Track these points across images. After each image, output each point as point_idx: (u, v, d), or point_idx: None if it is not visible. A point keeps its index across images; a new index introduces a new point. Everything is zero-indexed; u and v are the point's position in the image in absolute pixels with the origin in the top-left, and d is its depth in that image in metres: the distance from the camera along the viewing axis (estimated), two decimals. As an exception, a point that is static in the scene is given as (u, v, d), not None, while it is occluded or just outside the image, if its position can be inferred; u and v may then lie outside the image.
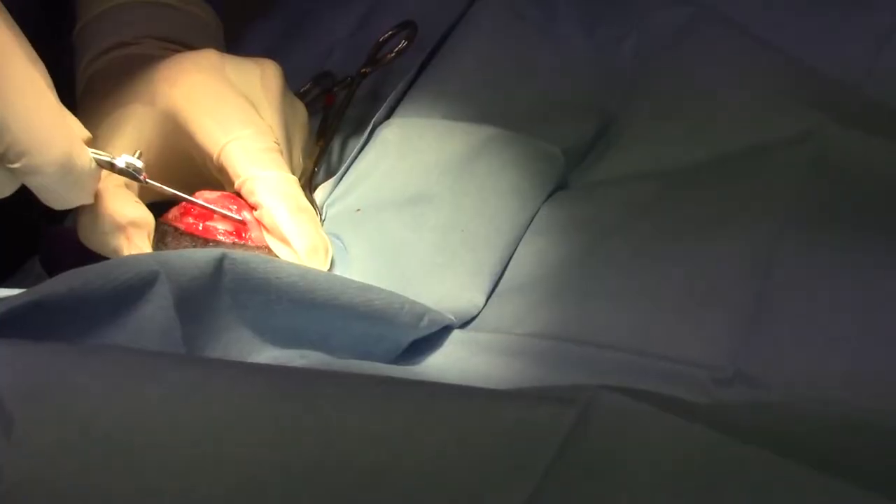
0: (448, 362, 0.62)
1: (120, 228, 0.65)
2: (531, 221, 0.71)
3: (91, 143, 0.62)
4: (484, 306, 0.66)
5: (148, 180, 0.64)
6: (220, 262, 0.54)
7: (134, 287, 0.51)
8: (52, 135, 0.58)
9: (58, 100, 0.60)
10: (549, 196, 0.73)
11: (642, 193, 0.70)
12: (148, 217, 0.66)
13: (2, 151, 0.57)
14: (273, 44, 0.93)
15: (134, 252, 0.65)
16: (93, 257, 0.68)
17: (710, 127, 0.74)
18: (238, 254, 0.55)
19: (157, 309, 0.51)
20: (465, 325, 0.65)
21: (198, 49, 0.76)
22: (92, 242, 0.67)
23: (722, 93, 0.76)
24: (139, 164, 0.64)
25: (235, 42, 0.89)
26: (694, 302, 0.60)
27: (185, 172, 0.69)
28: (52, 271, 0.80)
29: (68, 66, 0.76)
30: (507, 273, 0.68)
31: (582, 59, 0.83)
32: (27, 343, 0.46)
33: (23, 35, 0.59)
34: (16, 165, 0.58)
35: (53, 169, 0.59)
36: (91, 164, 0.61)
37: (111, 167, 0.63)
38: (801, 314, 0.58)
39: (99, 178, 0.63)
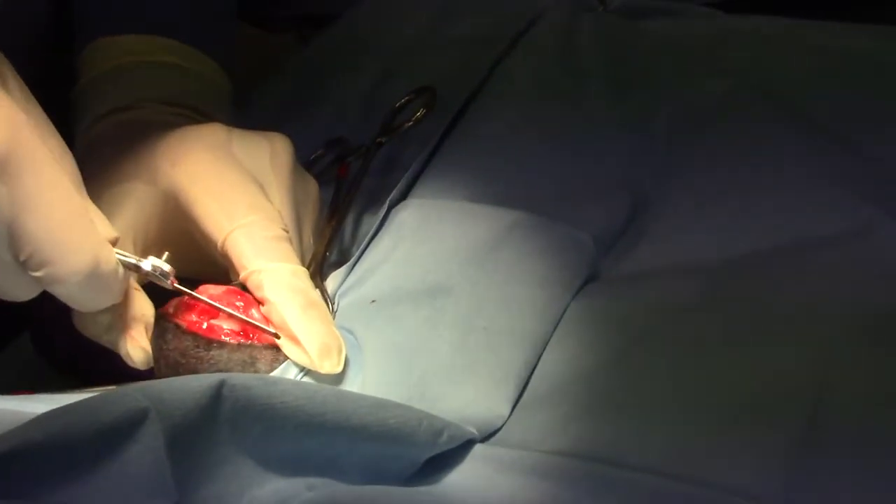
0: (469, 482, 0.57)
1: (118, 320, 0.62)
2: (560, 319, 0.66)
3: (116, 242, 0.59)
4: (508, 417, 0.61)
5: (176, 286, 0.61)
6: (219, 389, 0.50)
7: (120, 428, 0.47)
8: (76, 242, 0.56)
9: (84, 197, 0.58)
10: (580, 289, 0.68)
11: (680, 292, 0.66)
12: (148, 309, 0.63)
13: (24, 259, 0.55)
14: (283, 105, 0.90)
15: (130, 346, 0.62)
16: (87, 340, 0.64)
17: (753, 219, 0.70)
18: (238, 378, 0.51)
19: (145, 450, 0.47)
20: (487, 437, 0.60)
21: (205, 115, 0.73)
22: (88, 332, 0.64)
23: (765, 179, 0.72)
24: (167, 267, 0.61)
25: (241, 104, 0.85)
26: (737, 422, 0.56)
27: (187, 251, 0.65)
28: (42, 352, 0.76)
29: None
30: (533, 378, 0.63)
31: (612, 132, 0.79)
32: None
33: (49, 124, 0.57)
34: (38, 274, 0.56)
35: (77, 279, 0.56)
36: (117, 267, 0.59)
37: (137, 269, 0.60)
38: (857, 444, 0.53)
39: (126, 281, 0.61)
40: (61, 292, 0.57)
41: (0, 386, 0.64)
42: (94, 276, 0.57)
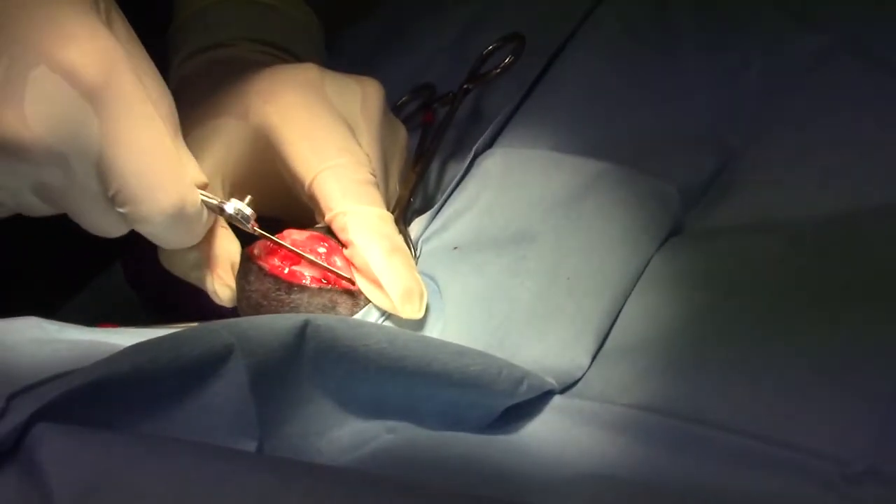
0: (547, 432, 0.57)
1: (205, 257, 0.63)
2: (642, 272, 0.65)
3: (206, 187, 0.60)
4: (588, 368, 0.60)
5: (256, 229, 0.61)
6: (303, 329, 0.51)
7: (205, 363, 0.47)
8: (163, 183, 0.57)
9: (177, 139, 0.58)
10: (663, 243, 0.68)
11: (767, 249, 0.64)
12: (234, 246, 0.64)
13: (111, 194, 0.56)
14: (370, 50, 0.90)
15: (217, 284, 0.63)
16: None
17: (844, 177, 0.68)
18: (322, 319, 0.51)
19: (229, 386, 0.48)
20: (566, 388, 0.60)
21: (297, 56, 0.73)
22: (174, 269, 0.66)
23: (858, 138, 0.70)
24: (248, 211, 0.61)
25: (331, 47, 0.85)
26: (822, 384, 0.55)
27: (274, 190, 0.66)
28: (132, 283, 0.77)
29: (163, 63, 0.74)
30: (614, 331, 0.63)
31: (702, 86, 0.78)
32: (84, 432, 0.42)
33: (150, 64, 0.58)
34: (124, 210, 0.57)
35: (161, 219, 0.57)
36: (201, 210, 0.59)
37: (220, 211, 0.61)
38: None
39: (210, 222, 0.61)
40: (145, 230, 0.58)
41: (90, 315, 0.65)
42: (179, 217, 0.57)
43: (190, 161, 0.59)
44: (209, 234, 0.63)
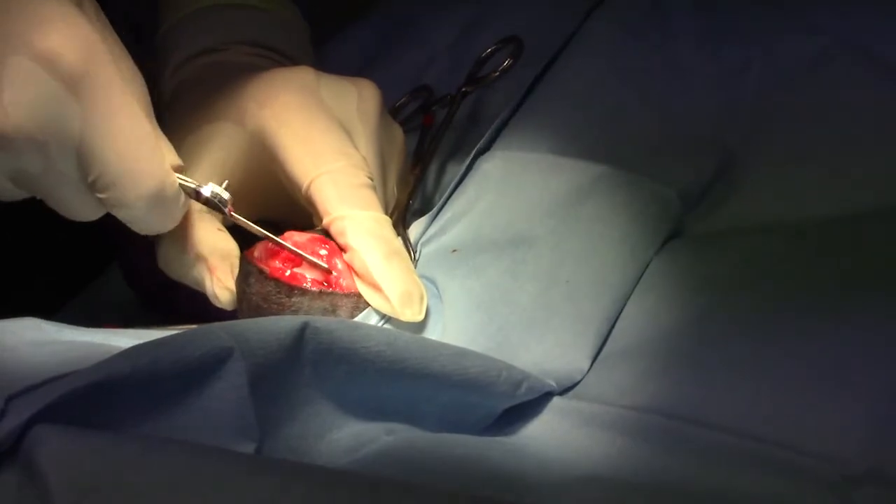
0: (547, 434, 0.57)
1: (203, 260, 0.63)
2: (642, 274, 0.65)
3: (181, 170, 0.60)
4: (588, 370, 0.60)
5: (233, 214, 0.61)
6: (302, 331, 0.50)
7: (205, 365, 0.47)
8: (143, 166, 0.57)
9: (153, 123, 0.58)
10: (662, 245, 0.68)
11: (766, 250, 0.65)
12: (233, 248, 0.64)
13: (91, 179, 0.56)
14: (367, 51, 0.89)
15: (216, 286, 0.63)
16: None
17: (844, 179, 0.68)
18: (321, 321, 0.51)
19: (229, 388, 0.48)
20: (566, 390, 0.60)
21: (290, 58, 0.73)
22: (172, 271, 0.65)
23: (858, 140, 0.70)
24: (225, 195, 0.61)
25: (326, 47, 0.85)
26: (822, 385, 0.55)
27: (272, 195, 0.66)
28: (130, 282, 0.77)
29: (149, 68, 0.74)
30: (614, 333, 0.63)
31: (701, 86, 0.78)
32: (83, 432, 0.42)
33: (122, 48, 0.57)
34: (103, 196, 0.57)
35: (142, 203, 0.57)
36: (179, 193, 0.59)
37: (196, 196, 0.61)
38: None
39: (186, 205, 0.61)
40: (123, 214, 0.58)
41: (89, 316, 0.65)
42: (158, 201, 0.57)
43: (166, 144, 0.59)
44: (207, 237, 0.63)
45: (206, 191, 0.60)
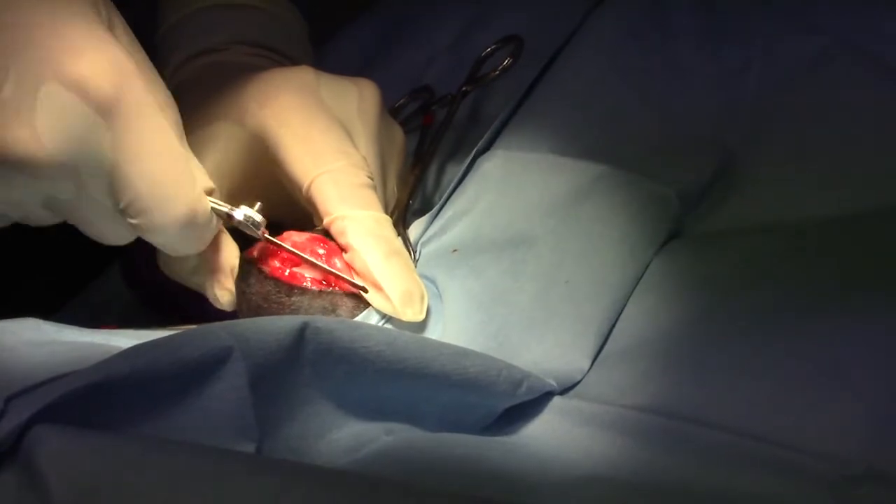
0: (547, 433, 0.57)
1: (203, 260, 0.63)
2: (642, 275, 0.65)
3: (213, 193, 0.60)
4: (588, 370, 0.60)
5: (267, 237, 0.61)
6: (302, 331, 0.50)
7: (205, 365, 0.47)
8: (175, 192, 0.56)
9: (185, 147, 0.58)
10: (662, 246, 0.68)
11: (766, 251, 0.65)
12: (234, 251, 0.63)
13: (123, 206, 0.56)
14: (367, 51, 0.89)
15: (216, 287, 0.63)
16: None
17: (844, 179, 0.68)
18: (321, 321, 0.51)
19: (229, 388, 0.48)
20: (566, 390, 0.60)
21: (289, 58, 0.73)
22: (174, 275, 0.65)
23: (858, 140, 0.70)
24: (258, 217, 0.61)
25: (326, 47, 0.85)
26: (822, 385, 0.55)
27: (272, 195, 0.65)
28: (130, 284, 0.77)
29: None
30: (614, 332, 0.63)
31: (701, 86, 0.78)
32: (82, 433, 0.42)
33: (154, 71, 0.57)
34: (135, 221, 0.56)
35: (174, 228, 0.57)
36: (211, 216, 0.59)
37: (229, 219, 0.61)
38: None
39: (217, 228, 0.61)
40: (156, 240, 0.58)
41: (89, 317, 0.65)
42: (190, 226, 0.57)
43: (198, 167, 0.59)
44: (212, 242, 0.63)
45: (239, 214, 0.60)
